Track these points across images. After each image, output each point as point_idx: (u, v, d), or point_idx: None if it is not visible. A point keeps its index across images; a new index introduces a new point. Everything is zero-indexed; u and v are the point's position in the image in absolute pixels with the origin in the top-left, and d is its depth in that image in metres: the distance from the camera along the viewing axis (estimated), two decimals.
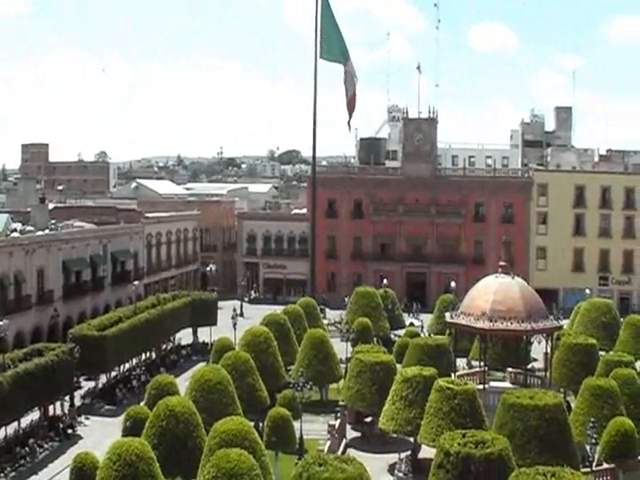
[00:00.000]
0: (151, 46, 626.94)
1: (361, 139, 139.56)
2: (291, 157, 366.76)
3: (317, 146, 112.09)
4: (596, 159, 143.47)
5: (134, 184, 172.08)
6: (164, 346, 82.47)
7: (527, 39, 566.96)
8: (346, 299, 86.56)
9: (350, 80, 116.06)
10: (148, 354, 78.40)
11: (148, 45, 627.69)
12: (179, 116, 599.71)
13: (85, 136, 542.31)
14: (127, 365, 74.16)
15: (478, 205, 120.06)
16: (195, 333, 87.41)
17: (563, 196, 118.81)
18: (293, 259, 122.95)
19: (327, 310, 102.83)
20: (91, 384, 68.69)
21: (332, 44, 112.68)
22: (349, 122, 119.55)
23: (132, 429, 43.12)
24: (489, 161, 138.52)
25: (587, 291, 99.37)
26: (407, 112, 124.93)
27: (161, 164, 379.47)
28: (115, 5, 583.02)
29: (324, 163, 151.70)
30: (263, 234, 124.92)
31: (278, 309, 76.81)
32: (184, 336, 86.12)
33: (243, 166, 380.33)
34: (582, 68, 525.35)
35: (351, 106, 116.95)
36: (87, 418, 61.98)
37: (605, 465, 49.10)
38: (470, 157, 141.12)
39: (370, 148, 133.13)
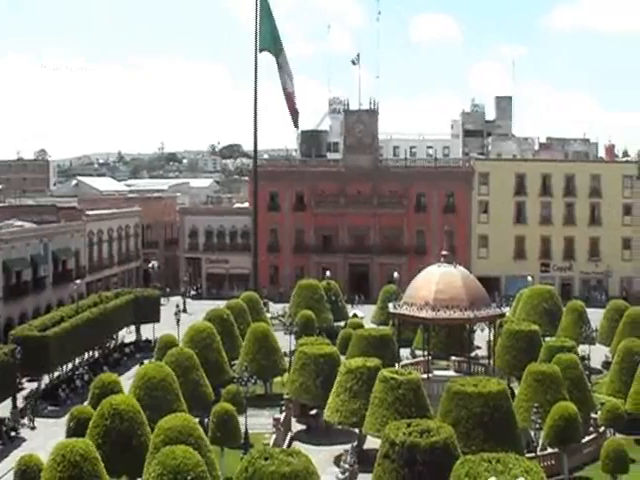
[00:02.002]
0: (89, 41, 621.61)
1: (302, 132, 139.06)
2: (232, 151, 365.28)
3: (258, 139, 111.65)
4: (536, 147, 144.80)
5: (74, 182, 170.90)
6: (107, 344, 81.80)
7: (468, 29, 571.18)
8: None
9: (285, 78, 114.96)
10: (91, 353, 77.77)
11: (86, 40, 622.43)
12: (119, 112, 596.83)
13: (24, 134, 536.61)
14: (70, 365, 73.45)
15: (420, 195, 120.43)
16: (138, 331, 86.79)
17: (504, 184, 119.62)
18: (235, 253, 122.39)
19: (270, 303, 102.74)
20: (33, 385, 67.85)
21: (266, 35, 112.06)
22: (296, 125, 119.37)
23: (76, 429, 42.76)
24: (430, 151, 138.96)
25: (529, 278, 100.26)
26: (348, 104, 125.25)
27: (101, 161, 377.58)
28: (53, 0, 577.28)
29: (265, 156, 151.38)
30: (205, 229, 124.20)
31: (221, 304, 76.67)
32: (127, 334, 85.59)
33: (184, 161, 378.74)
34: (523, 57, 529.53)
35: (292, 109, 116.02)
36: (30, 420, 61.20)
37: (549, 450, 49.72)
38: (411, 148, 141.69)
39: (311, 140, 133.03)
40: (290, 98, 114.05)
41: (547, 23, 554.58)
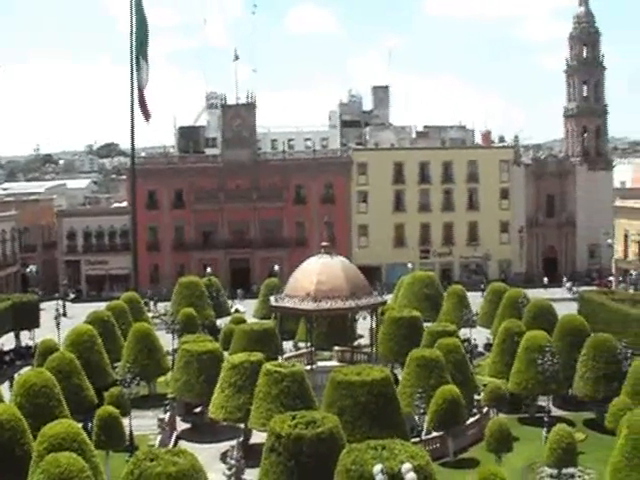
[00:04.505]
0: None
1: (180, 128, 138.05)
2: (109, 150, 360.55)
3: (136, 137, 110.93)
4: (414, 136, 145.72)
5: None
6: None
7: (346, 20, 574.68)
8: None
9: (142, 79, 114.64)
10: None
11: None
12: None
13: None
14: None
15: (299, 187, 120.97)
16: (17, 337, 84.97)
17: (382, 174, 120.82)
18: (115, 254, 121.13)
19: (151, 303, 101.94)
20: None
21: (138, 39, 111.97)
22: (148, 120, 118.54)
23: None
24: (308, 143, 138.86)
25: (409, 265, 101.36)
26: (225, 98, 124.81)
27: None
28: None
29: (143, 154, 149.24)
30: (83, 230, 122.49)
31: (102, 306, 75.74)
32: (6, 341, 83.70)
33: (61, 162, 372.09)
34: (399, 47, 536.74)
35: (145, 110, 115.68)
36: None
37: (434, 433, 50.37)
38: (289, 140, 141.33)
39: (189, 136, 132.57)
40: (143, 99, 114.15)
41: (422, 11, 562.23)
